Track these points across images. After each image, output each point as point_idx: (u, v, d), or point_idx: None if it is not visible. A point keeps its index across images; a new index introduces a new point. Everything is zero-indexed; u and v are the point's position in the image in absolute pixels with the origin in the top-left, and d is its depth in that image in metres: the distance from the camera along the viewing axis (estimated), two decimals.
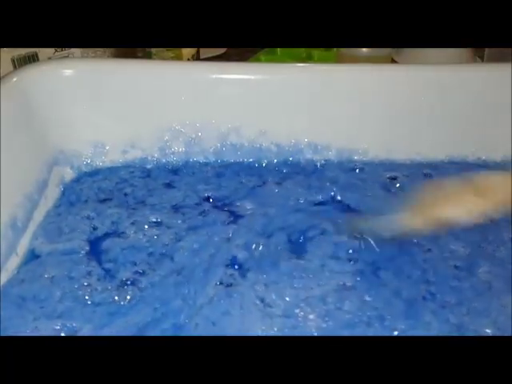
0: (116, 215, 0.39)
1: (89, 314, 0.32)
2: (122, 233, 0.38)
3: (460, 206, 0.34)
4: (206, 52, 0.63)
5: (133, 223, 0.38)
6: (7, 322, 0.31)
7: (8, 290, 0.33)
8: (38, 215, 0.38)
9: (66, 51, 0.53)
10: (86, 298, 0.33)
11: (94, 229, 0.38)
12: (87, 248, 0.36)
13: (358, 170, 0.44)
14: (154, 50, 0.58)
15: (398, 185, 0.42)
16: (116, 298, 0.33)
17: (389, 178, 0.43)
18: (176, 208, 0.40)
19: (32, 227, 0.37)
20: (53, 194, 0.41)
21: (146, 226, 0.38)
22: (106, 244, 0.37)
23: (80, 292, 0.33)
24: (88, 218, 0.39)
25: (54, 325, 0.31)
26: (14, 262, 0.35)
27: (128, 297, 0.33)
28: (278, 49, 0.61)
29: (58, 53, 0.52)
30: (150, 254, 0.36)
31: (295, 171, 0.44)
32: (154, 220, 0.39)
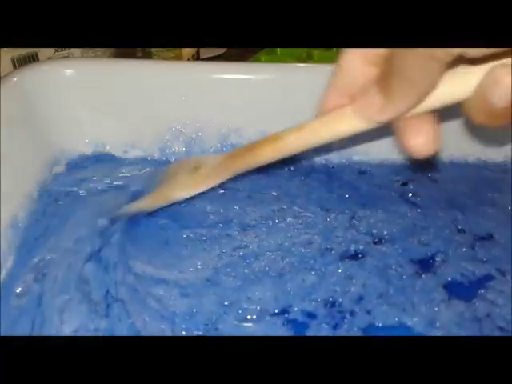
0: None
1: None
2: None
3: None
4: (206, 52, 0.63)
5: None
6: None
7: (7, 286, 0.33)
8: (39, 214, 0.38)
9: (66, 51, 0.53)
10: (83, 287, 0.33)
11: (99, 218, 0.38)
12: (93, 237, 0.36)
13: (366, 174, 0.44)
14: (153, 50, 0.58)
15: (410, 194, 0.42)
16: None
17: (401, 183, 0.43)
18: None
19: (32, 225, 0.37)
20: (53, 193, 0.41)
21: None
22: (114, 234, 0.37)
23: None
24: (90, 208, 0.39)
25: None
26: (14, 261, 0.35)
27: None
28: (278, 49, 0.61)
29: (58, 53, 0.52)
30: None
31: (301, 173, 0.44)
32: None
